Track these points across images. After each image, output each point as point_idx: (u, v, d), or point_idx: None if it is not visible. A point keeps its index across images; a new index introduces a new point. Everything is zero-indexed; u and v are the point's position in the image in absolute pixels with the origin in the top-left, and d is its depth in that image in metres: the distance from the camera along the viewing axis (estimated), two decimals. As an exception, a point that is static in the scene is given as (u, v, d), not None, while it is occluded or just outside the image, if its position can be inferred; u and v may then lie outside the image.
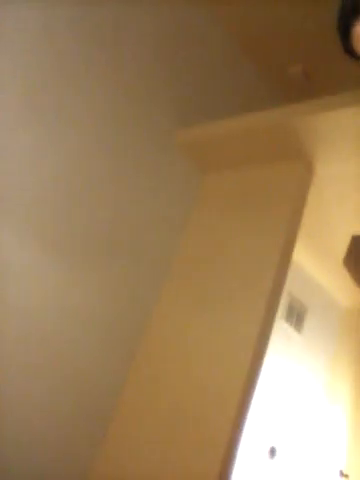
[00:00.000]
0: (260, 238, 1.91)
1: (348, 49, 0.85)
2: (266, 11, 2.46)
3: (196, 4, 2.49)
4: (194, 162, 2.37)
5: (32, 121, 1.78)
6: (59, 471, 1.75)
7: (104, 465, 1.82)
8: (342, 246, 2.45)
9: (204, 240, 2.14)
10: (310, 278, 3.08)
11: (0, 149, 1.68)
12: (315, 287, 3.12)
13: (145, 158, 2.17)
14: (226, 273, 1.93)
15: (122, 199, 2.06)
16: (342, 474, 2.75)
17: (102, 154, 2.00)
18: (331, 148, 1.86)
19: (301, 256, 2.84)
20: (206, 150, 2.26)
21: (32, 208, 1.76)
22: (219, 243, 2.06)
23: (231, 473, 1.52)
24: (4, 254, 1.67)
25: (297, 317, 2.93)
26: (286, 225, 1.85)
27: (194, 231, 2.23)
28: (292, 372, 2.87)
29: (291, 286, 2.87)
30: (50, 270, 1.79)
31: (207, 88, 2.53)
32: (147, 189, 2.16)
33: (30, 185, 1.76)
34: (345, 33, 0.81)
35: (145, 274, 2.11)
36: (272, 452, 2.64)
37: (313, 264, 2.92)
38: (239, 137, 2.07)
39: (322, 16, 2.37)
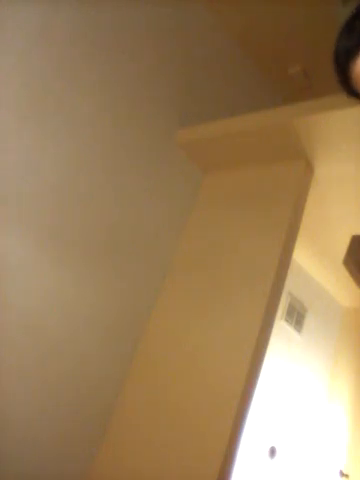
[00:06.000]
0: (260, 238, 1.91)
1: (349, 91, 0.85)
2: (266, 11, 2.46)
3: (196, 4, 2.49)
4: (194, 162, 2.37)
5: (32, 121, 1.78)
6: (59, 471, 1.75)
7: (104, 465, 1.82)
8: (342, 246, 2.45)
9: (204, 240, 2.14)
10: (310, 278, 3.08)
11: (0, 148, 1.69)
12: (315, 287, 3.13)
13: (145, 158, 2.17)
14: (226, 273, 1.93)
15: (122, 199, 2.06)
16: (342, 474, 2.75)
17: (102, 154, 2.00)
18: (331, 148, 1.86)
19: (301, 256, 2.84)
20: (206, 150, 2.26)
21: (32, 207, 1.75)
22: (219, 243, 2.06)
23: (231, 473, 1.52)
24: (3, 253, 1.67)
25: (297, 317, 2.93)
26: (286, 225, 1.85)
27: (194, 231, 2.23)
28: (292, 372, 2.87)
29: (291, 286, 2.87)
30: (49, 269, 1.79)
31: (207, 88, 2.53)
32: (147, 189, 2.16)
33: (30, 184, 1.76)
34: (344, 75, 0.81)
35: (145, 273, 2.11)
36: (272, 452, 2.64)
37: (313, 264, 2.92)
38: (239, 137, 2.07)
39: (322, 16, 2.37)
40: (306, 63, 2.68)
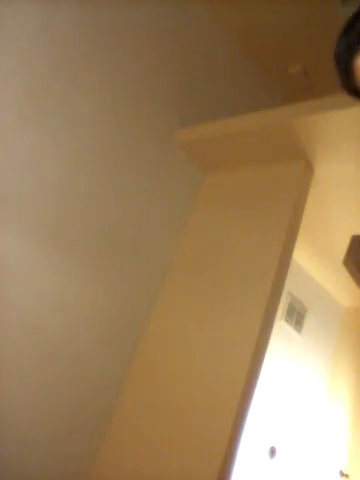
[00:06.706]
0: (260, 238, 1.91)
1: (352, 90, 0.83)
2: (266, 11, 2.46)
3: (196, 4, 2.49)
4: (194, 162, 2.37)
5: (32, 121, 1.78)
6: (59, 471, 1.75)
7: (104, 465, 1.82)
8: (342, 246, 2.45)
9: (204, 240, 2.14)
10: (310, 278, 3.08)
11: (0, 148, 1.69)
12: (315, 287, 3.12)
13: (145, 158, 2.17)
14: (226, 273, 1.93)
15: (122, 198, 2.06)
16: (342, 474, 2.75)
17: (102, 153, 2.00)
18: (331, 148, 1.86)
19: (301, 256, 2.84)
20: (206, 150, 2.26)
21: (32, 207, 1.75)
22: (219, 243, 2.06)
23: (231, 473, 1.52)
24: (3, 253, 1.67)
25: (297, 317, 2.93)
26: (286, 225, 1.85)
27: (194, 231, 2.23)
28: (292, 372, 2.87)
29: (291, 286, 2.87)
30: (49, 269, 1.79)
31: (207, 88, 2.53)
32: (147, 189, 2.16)
33: (30, 184, 1.76)
34: (346, 73, 0.79)
35: (145, 273, 2.11)
36: (272, 452, 2.64)
37: (313, 264, 2.92)
38: (239, 137, 2.07)
39: (322, 16, 2.37)
40: (306, 63, 2.68)
